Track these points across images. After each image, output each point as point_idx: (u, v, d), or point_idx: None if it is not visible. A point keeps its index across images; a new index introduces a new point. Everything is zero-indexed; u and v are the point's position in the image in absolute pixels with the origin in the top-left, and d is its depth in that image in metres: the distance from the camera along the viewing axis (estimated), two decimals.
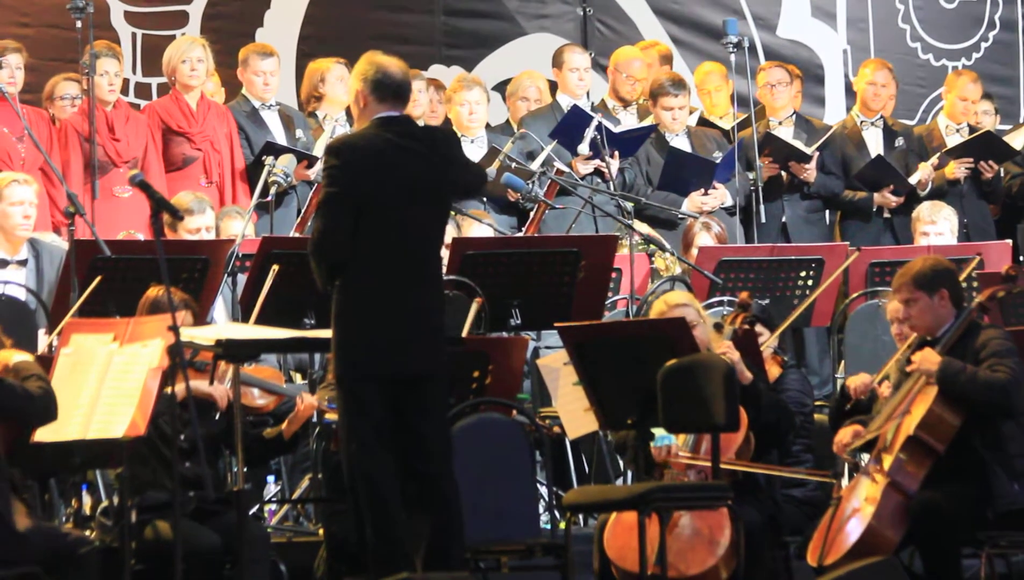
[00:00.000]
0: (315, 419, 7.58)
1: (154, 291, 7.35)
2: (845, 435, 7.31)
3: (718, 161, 10.49)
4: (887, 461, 7.04)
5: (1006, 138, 11.19)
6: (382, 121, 6.71)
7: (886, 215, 11.02)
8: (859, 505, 7.05)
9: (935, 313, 7.23)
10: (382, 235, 6.61)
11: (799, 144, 10.84)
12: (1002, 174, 11.16)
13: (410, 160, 6.65)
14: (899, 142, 11.18)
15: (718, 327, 7.53)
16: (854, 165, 11.05)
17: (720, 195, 10.55)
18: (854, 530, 7.00)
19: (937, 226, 10.19)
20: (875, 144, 11.16)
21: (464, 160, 7.22)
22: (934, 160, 11.02)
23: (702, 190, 10.51)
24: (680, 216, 10.27)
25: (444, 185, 6.78)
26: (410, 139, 6.71)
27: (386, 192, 6.61)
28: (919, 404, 7.08)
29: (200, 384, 7.14)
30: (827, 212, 11.18)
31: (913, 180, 10.95)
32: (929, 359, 7.09)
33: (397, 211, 6.62)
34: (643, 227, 9.75)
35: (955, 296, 7.25)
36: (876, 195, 10.98)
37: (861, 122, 11.25)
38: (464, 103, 10.50)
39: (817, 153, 10.79)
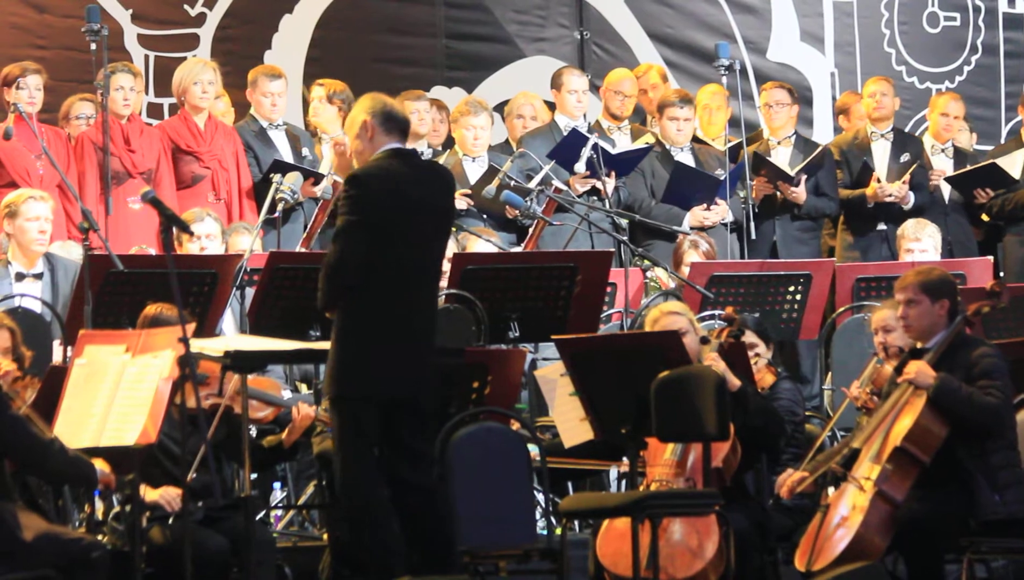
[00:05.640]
0: (318, 429, 7.66)
1: (152, 309, 7.45)
2: (792, 480, 7.43)
3: (722, 177, 10.59)
4: (874, 471, 7.14)
5: (1000, 161, 11.18)
6: (394, 152, 6.88)
7: (881, 227, 11.12)
8: (847, 513, 7.14)
9: (932, 320, 7.33)
10: (394, 261, 6.77)
11: (784, 166, 10.94)
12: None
13: (421, 190, 6.84)
14: (904, 157, 11.23)
15: (704, 340, 7.65)
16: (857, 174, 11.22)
17: (722, 211, 10.64)
18: (842, 538, 7.09)
19: (921, 243, 10.30)
20: (882, 155, 11.26)
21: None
22: (905, 177, 11.07)
23: (704, 205, 10.63)
24: (677, 231, 10.34)
25: (447, 214, 7.02)
26: (420, 170, 6.92)
27: (400, 219, 6.78)
28: (906, 415, 7.18)
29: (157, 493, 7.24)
30: (823, 231, 11.27)
31: (889, 192, 11.07)
32: (925, 373, 7.19)
33: (409, 238, 6.79)
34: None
35: (952, 309, 7.35)
36: (867, 191, 11.07)
37: (871, 133, 11.35)
38: (470, 128, 10.59)
39: (804, 176, 10.85)
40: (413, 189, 6.83)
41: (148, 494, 7.16)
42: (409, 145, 7.12)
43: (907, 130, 12.58)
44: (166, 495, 7.19)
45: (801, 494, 7.66)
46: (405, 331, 6.80)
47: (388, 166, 6.86)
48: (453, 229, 9.67)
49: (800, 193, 10.93)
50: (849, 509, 7.16)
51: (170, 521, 7.19)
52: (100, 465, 6.77)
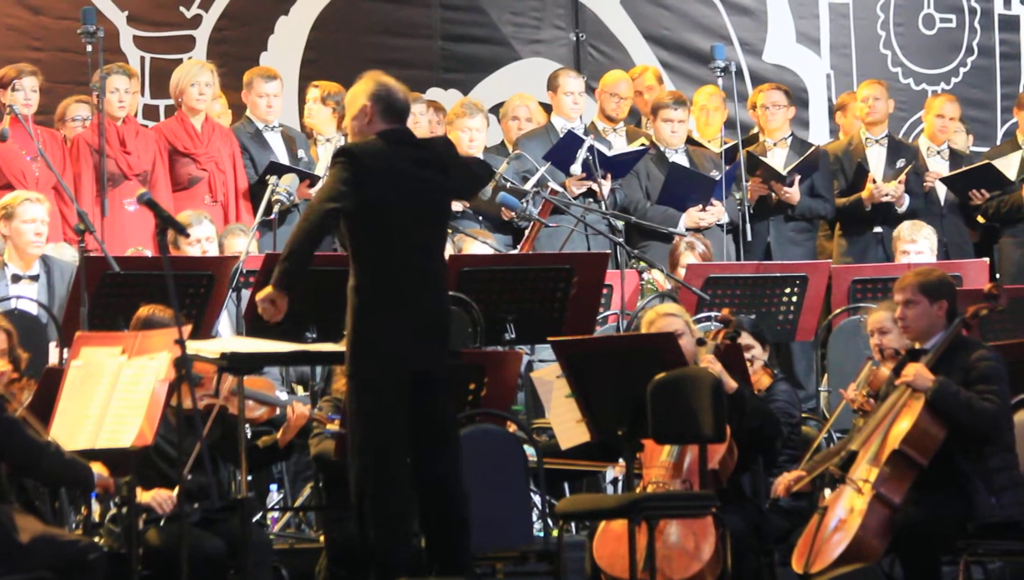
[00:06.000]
0: (315, 430, 7.69)
1: (145, 310, 7.48)
2: (789, 478, 7.45)
3: (717, 178, 10.60)
4: (872, 473, 7.14)
5: (996, 162, 11.21)
6: (385, 133, 6.93)
7: (876, 229, 11.11)
8: (845, 515, 7.14)
9: (930, 321, 7.32)
10: (391, 236, 6.81)
11: (780, 167, 10.93)
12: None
13: (412, 165, 6.87)
14: (900, 163, 11.23)
15: (701, 342, 7.67)
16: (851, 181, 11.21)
17: (717, 212, 10.65)
18: (840, 540, 7.09)
19: (917, 245, 10.30)
20: (877, 161, 11.26)
21: (463, 161, 7.34)
22: (901, 177, 11.10)
23: (700, 206, 10.64)
24: (672, 233, 10.37)
25: (443, 188, 6.99)
26: (411, 147, 6.94)
27: (392, 195, 6.82)
28: (904, 417, 7.17)
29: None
30: (819, 233, 11.29)
31: (886, 192, 11.09)
32: (923, 376, 7.18)
33: (404, 213, 6.82)
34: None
35: (951, 311, 7.33)
36: (862, 193, 11.07)
37: (866, 139, 11.35)
38: (465, 129, 10.60)
39: (798, 176, 10.88)
40: (403, 164, 6.86)
41: (140, 496, 7.15)
42: None
43: (903, 132, 12.63)
44: (157, 498, 7.20)
45: (798, 495, 7.68)
46: (416, 305, 6.82)
47: (379, 144, 6.92)
48: (449, 230, 9.69)
49: (793, 194, 10.94)
50: (847, 511, 7.16)
51: (162, 523, 7.20)
52: (99, 469, 6.77)
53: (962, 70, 13.27)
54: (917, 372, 7.21)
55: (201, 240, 9.40)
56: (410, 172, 6.87)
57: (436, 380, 6.87)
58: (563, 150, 10.41)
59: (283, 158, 10.42)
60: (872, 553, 7.11)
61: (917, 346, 7.38)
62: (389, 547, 6.73)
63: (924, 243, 10.34)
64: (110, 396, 6.74)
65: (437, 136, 9.54)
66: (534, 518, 7.84)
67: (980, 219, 11.40)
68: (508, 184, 10.05)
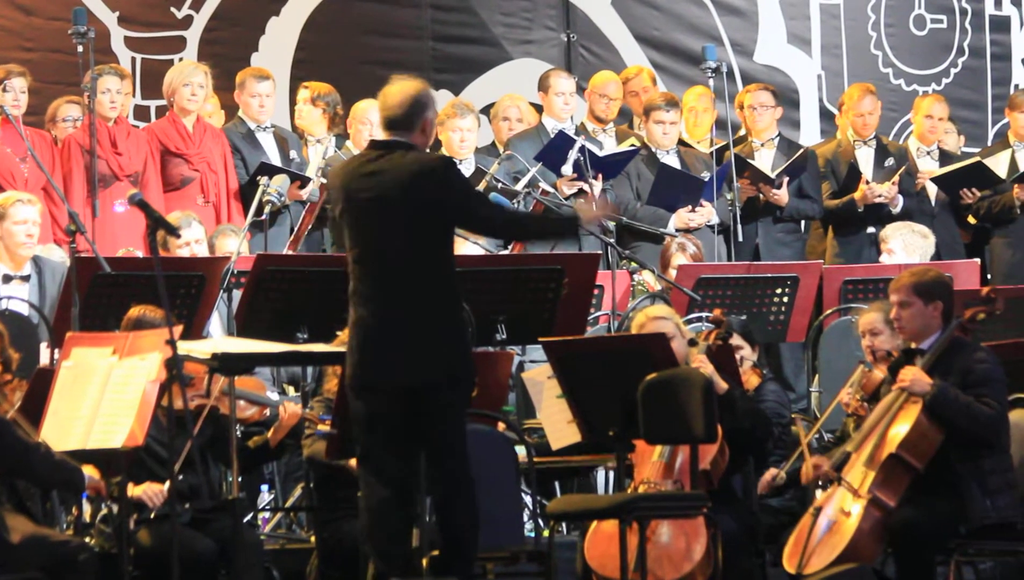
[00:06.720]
0: (307, 431, 7.70)
1: (136, 311, 7.50)
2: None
3: (706, 179, 10.62)
4: (868, 476, 7.13)
5: (987, 160, 11.23)
6: (370, 145, 6.99)
7: (870, 230, 11.11)
8: (839, 518, 7.14)
9: (925, 321, 7.30)
10: (360, 248, 6.81)
11: (768, 168, 10.95)
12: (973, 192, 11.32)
13: (371, 174, 6.81)
14: (888, 162, 11.24)
15: (692, 343, 7.67)
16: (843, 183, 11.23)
17: (707, 213, 10.66)
18: (836, 543, 7.09)
19: (888, 244, 10.27)
20: (866, 162, 11.26)
21: (461, 188, 7.01)
22: (895, 178, 11.11)
23: (689, 207, 10.65)
24: (663, 233, 10.39)
25: (409, 201, 6.77)
26: (377, 159, 6.85)
27: (356, 207, 6.81)
28: (901, 421, 7.16)
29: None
30: (812, 232, 11.31)
31: (879, 192, 11.12)
32: (921, 380, 7.16)
33: (368, 224, 6.79)
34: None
35: (947, 311, 7.31)
36: (855, 194, 11.07)
37: (854, 141, 11.35)
38: (456, 129, 10.56)
39: (786, 178, 10.90)
40: (363, 172, 6.83)
41: (130, 490, 7.15)
42: None
43: (894, 133, 12.64)
44: (148, 491, 7.20)
45: (791, 494, 7.73)
46: (389, 318, 6.77)
47: (352, 159, 7.00)
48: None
49: (782, 195, 10.95)
50: (840, 513, 7.17)
51: (152, 517, 7.21)
52: (90, 471, 6.77)
53: (953, 71, 13.28)
54: (914, 376, 7.19)
55: (190, 242, 9.41)
56: (364, 178, 6.81)
57: (428, 391, 6.80)
58: (554, 151, 10.43)
59: (275, 159, 10.42)
60: (868, 556, 7.12)
61: (913, 346, 7.36)
62: (375, 548, 6.74)
63: (896, 242, 10.29)
64: (101, 396, 6.74)
65: (436, 154, 9.30)
66: (525, 518, 7.83)
67: (971, 220, 11.41)
68: (499, 185, 10.06)
